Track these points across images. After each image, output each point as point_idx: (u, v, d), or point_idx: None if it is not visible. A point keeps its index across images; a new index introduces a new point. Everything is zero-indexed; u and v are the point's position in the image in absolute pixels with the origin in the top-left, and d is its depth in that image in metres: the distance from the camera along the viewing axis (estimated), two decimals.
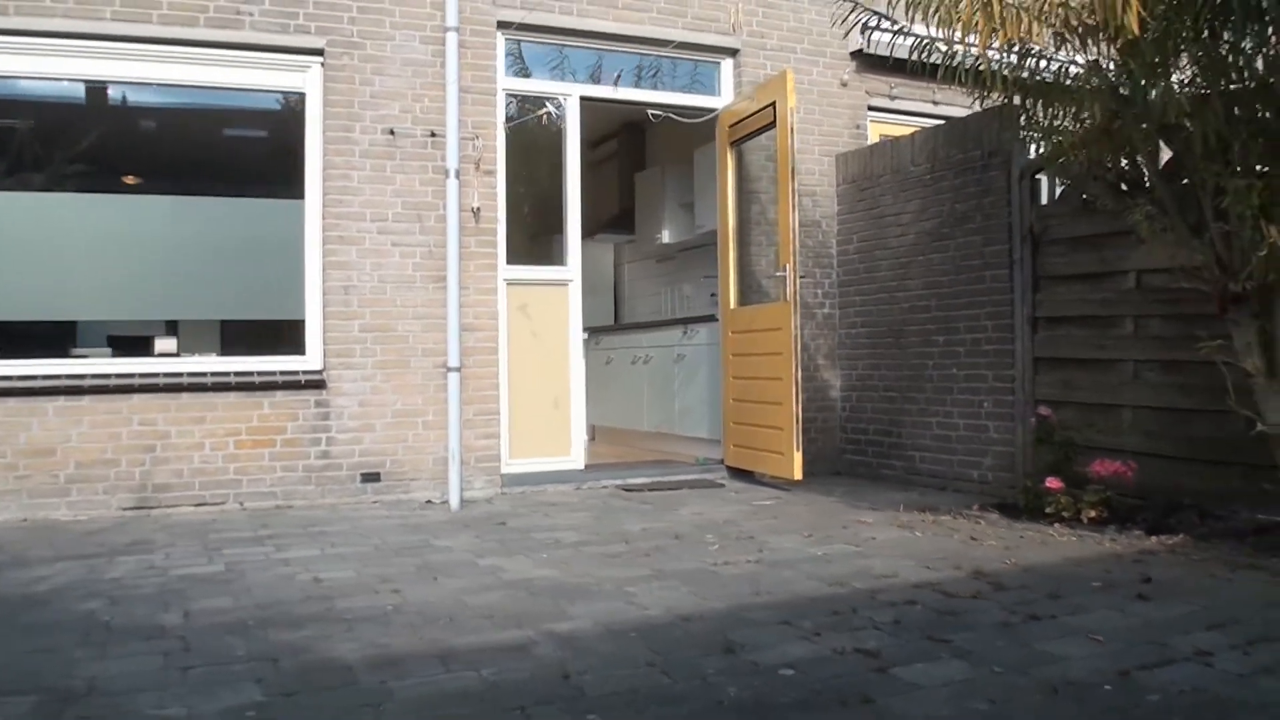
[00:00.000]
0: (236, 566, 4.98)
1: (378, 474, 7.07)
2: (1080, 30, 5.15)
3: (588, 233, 8.91)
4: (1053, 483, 5.94)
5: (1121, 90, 5.23)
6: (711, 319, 8.51)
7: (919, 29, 5.94)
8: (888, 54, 7.36)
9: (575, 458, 7.76)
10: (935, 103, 8.86)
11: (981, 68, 5.52)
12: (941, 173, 7.47)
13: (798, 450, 7.11)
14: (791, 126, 7.16)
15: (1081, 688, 3.11)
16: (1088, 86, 5.29)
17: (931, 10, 5.27)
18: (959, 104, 8.64)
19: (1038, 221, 6.78)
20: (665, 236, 10.21)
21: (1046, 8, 4.94)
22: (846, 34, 7.83)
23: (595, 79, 7.97)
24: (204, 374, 6.79)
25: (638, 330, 9.85)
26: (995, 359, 7.04)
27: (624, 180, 10.94)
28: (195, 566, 5.00)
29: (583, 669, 3.31)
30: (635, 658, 3.43)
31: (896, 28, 6.18)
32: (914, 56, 6.01)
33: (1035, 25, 4.96)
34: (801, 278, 7.68)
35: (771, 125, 7.44)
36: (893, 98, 8.76)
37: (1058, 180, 6.96)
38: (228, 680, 3.24)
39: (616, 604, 4.16)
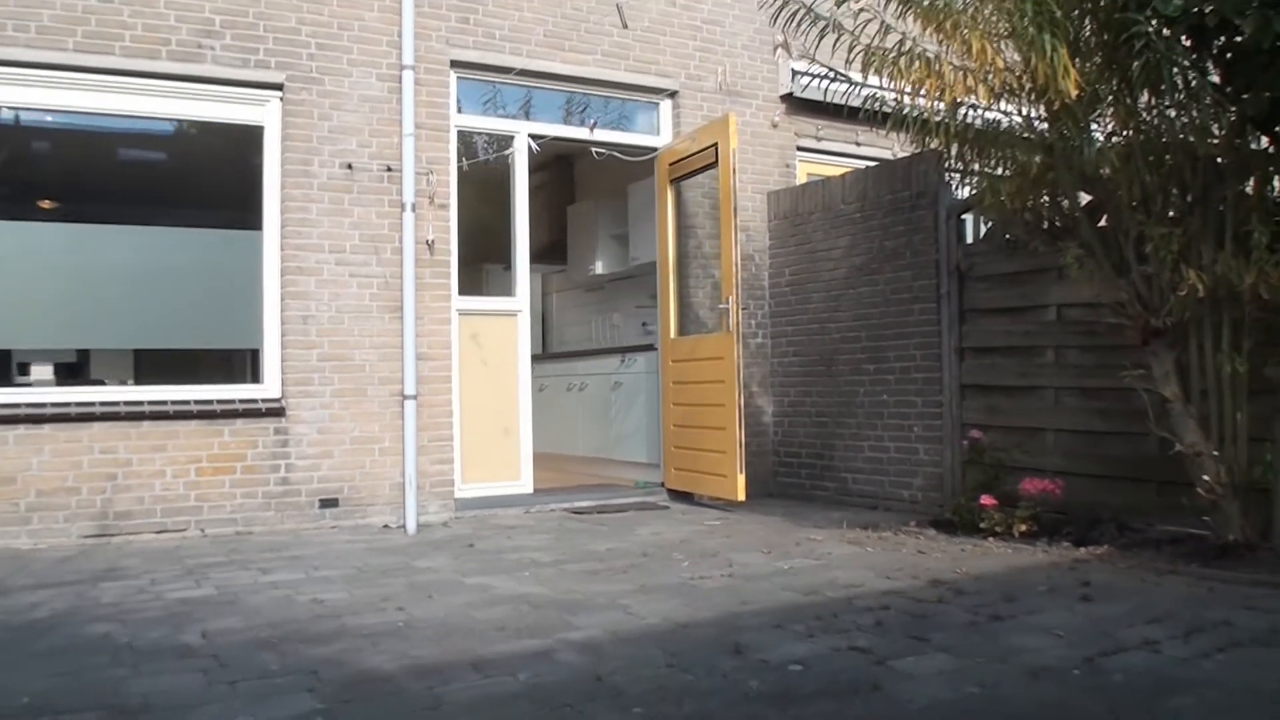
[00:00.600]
0: (228, 590, 5.18)
1: (336, 500, 7.28)
2: (1016, 90, 5.73)
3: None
4: (987, 500, 6.46)
5: (1051, 144, 5.80)
6: (650, 348, 8.93)
7: (854, 75, 6.47)
8: (819, 97, 7.92)
9: (524, 482, 8.07)
10: (858, 144, 9.44)
11: (926, 118, 6.03)
12: (871, 211, 8.01)
13: (741, 472, 7.54)
14: (734, 167, 7.63)
15: (1055, 672, 3.58)
16: (1024, 138, 5.86)
17: (885, 69, 5.76)
18: (880, 145, 9.29)
19: (964, 258, 7.34)
20: (598, 267, 10.62)
21: (990, 71, 5.48)
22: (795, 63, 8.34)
23: (542, 118, 8.34)
24: (165, 402, 6.94)
25: (572, 358, 10.22)
26: (924, 386, 7.57)
27: (553, 212, 11.31)
28: (186, 590, 5.19)
29: (611, 670, 3.66)
30: (654, 660, 3.79)
31: (827, 73, 6.65)
32: (864, 106, 6.49)
33: (979, 86, 5.51)
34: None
35: (713, 165, 7.90)
36: (819, 139, 9.31)
37: (982, 220, 7.54)
38: (278, 692, 3.50)
39: (616, 615, 4.52)
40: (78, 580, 5.45)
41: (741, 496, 7.55)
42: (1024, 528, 6.32)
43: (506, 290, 8.33)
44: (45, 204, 7.41)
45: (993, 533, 6.39)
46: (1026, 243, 6.67)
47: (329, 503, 7.26)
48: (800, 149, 9.28)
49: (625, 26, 8.42)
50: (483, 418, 7.91)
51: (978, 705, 3.27)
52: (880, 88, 6.29)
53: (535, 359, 9.84)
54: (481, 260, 9.84)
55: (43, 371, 7.14)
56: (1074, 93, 5.27)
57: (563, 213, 11.20)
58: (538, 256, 11.29)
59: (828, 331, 8.39)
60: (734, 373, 7.56)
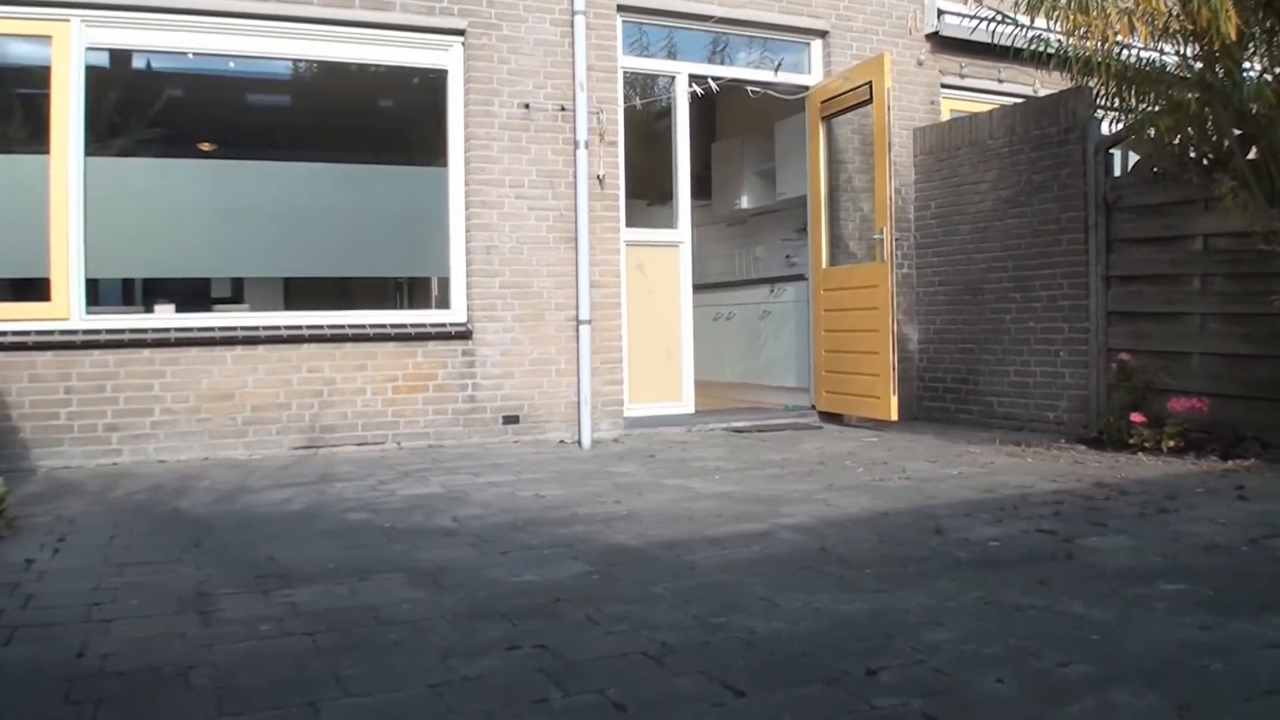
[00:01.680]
0: (453, 488, 5.93)
1: (517, 416, 8.02)
2: (1174, 31, 6.17)
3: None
4: (1136, 417, 6.97)
5: (1209, 82, 6.23)
6: (799, 278, 9.51)
7: (994, 9, 6.95)
8: (963, 35, 8.41)
9: (686, 402, 8.76)
10: (1000, 80, 9.84)
11: (1089, 57, 6.48)
12: (1019, 146, 8.46)
13: (894, 394, 8.11)
14: (888, 104, 8.13)
15: (1225, 548, 4.15)
16: (1182, 77, 6.30)
17: (1054, 13, 6.23)
18: (1021, 82, 9.71)
19: (1111, 191, 7.77)
20: (743, 202, 11.20)
21: (1153, 16, 5.92)
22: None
23: (700, 58, 8.91)
24: (365, 326, 7.71)
25: (718, 289, 10.85)
26: (1071, 313, 8.05)
27: (696, 150, 11.85)
28: (414, 489, 5.94)
29: (832, 544, 4.30)
30: (867, 538, 4.43)
31: (992, 16, 7.11)
32: (1029, 47, 6.93)
33: (1141, 28, 5.96)
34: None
35: (866, 102, 8.41)
36: (963, 76, 9.73)
37: (1129, 154, 7.95)
38: (547, 560, 4.18)
39: (817, 506, 5.17)
40: (308, 482, 6.23)
41: (894, 416, 8.13)
42: (1172, 443, 6.81)
43: (667, 223, 8.95)
44: (245, 142, 8.20)
45: (1141, 448, 6.89)
46: (1178, 175, 7.10)
47: (511, 419, 8.00)
48: (944, 85, 9.71)
49: None
50: (648, 342, 8.59)
51: (1163, 569, 3.85)
52: (1038, 29, 6.75)
53: None
54: (639, 196, 10.44)
55: (240, 306, 7.97)
56: (1234, 35, 5.70)
57: (705, 149, 11.76)
58: None
59: (973, 262, 8.88)
60: (888, 300, 8.10)
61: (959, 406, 9.07)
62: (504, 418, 8.00)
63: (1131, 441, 6.98)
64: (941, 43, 9.57)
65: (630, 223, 8.66)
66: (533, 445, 7.82)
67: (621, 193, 8.40)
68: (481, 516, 5.08)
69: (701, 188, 11.62)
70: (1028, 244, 8.39)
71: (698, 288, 10.87)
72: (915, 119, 9.51)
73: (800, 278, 9.52)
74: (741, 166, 11.20)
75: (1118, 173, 8.09)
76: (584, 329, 8.06)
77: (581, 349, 8.06)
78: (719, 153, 11.82)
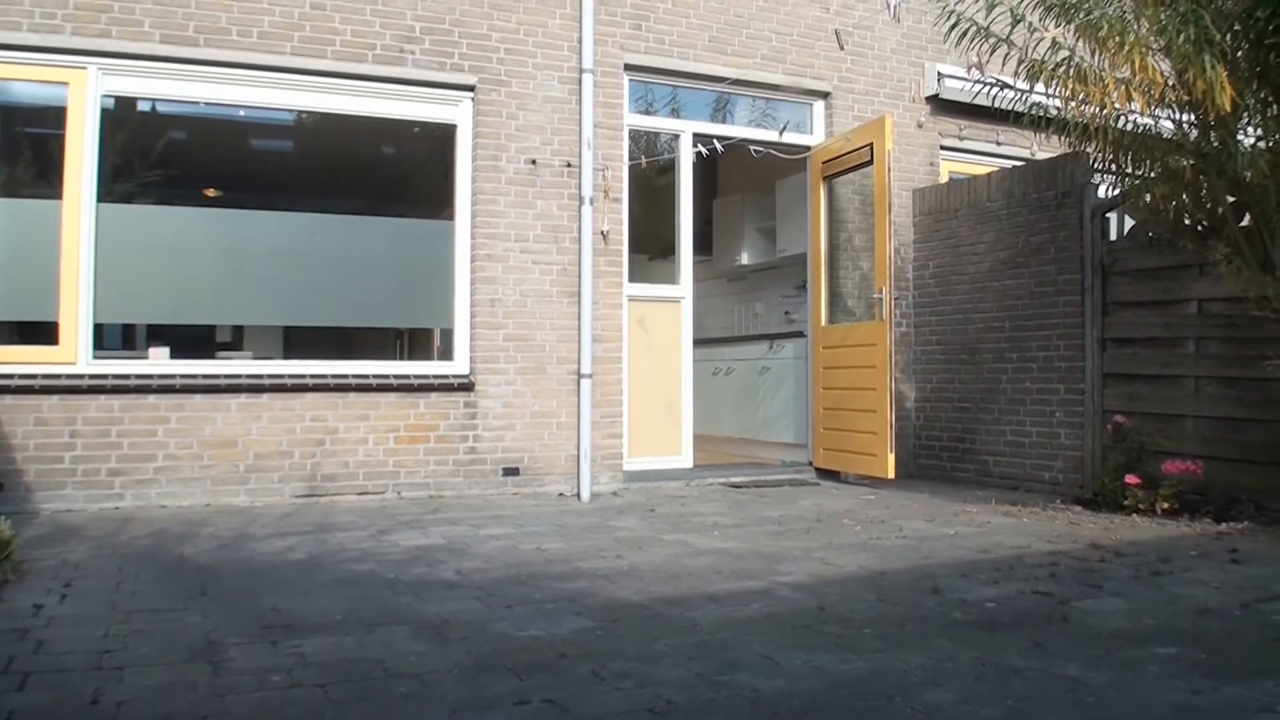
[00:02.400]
0: (454, 540, 5.99)
1: (517, 468, 8.10)
2: (1170, 101, 6.34)
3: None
4: (1131, 479, 7.06)
5: (1205, 150, 6.38)
6: (798, 335, 9.63)
7: (995, 76, 7.15)
8: (963, 99, 8.58)
9: (685, 457, 8.84)
10: (999, 143, 10.03)
11: (1086, 124, 6.65)
12: (1017, 208, 8.61)
13: (891, 452, 8.21)
14: (889, 166, 8.29)
15: (1218, 612, 4.23)
16: (1177, 144, 6.46)
17: (1053, 81, 6.40)
18: (1019, 145, 9.88)
19: (1107, 255, 7.91)
20: (743, 258, 11.36)
21: (1149, 86, 6.08)
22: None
23: (704, 117, 9.09)
24: (368, 376, 7.81)
25: (717, 344, 10.98)
26: (1067, 374, 8.16)
27: (697, 206, 12.02)
28: (415, 539, 6.00)
29: (830, 603, 4.37)
30: (865, 597, 4.51)
31: (991, 82, 7.29)
32: (1029, 112, 7.12)
33: (1138, 97, 6.12)
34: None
35: (867, 163, 8.57)
36: (961, 139, 9.92)
37: (1125, 218, 8.10)
38: (551, 614, 4.25)
39: (815, 564, 5.24)
40: (309, 531, 6.28)
41: (891, 474, 8.21)
42: (1166, 505, 6.89)
43: (669, 278, 9.08)
44: (257, 192, 8.32)
45: (1136, 509, 6.97)
46: (1174, 240, 7.25)
47: (511, 471, 8.08)
48: (944, 147, 9.89)
49: (841, 48, 9.33)
50: (648, 396, 8.68)
51: (1156, 632, 3.93)
52: (1035, 93, 6.93)
53: None
54: (641, 250, 10.58)
55: (244, 353, 8.05)
56: (1228, 106, 5.86)
57: (707, 205, 11.94)
58: None
59: (971, 321, 9.01)
60: (886, 358, 8.22)
61: (955, 465, 9.16)
62: (504, 469, 8.07)
63: (1126, 503, 7.06)
64: (941, 105, 9.76)
65: (632, 277, 8.79)
66: (532, 498, 7.89)
67: (625, 248, 8.53)
68: (484, 569, 5.14)
69: (702, 243, 11.76)
70: (1025, 305, 8.52)
71: (697, 342, 10.97)
72: (915, 180, 9.67)
73: (799, 334, 9.64)
74: (743, 223, 11.38)
75: (1114, 237, 8.22)
76: (585, 382, 8.16)
77: (582, 402, 8.15)
78: (720, 209, 12.00)
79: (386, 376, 7.86)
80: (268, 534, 6.15)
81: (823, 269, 9.26)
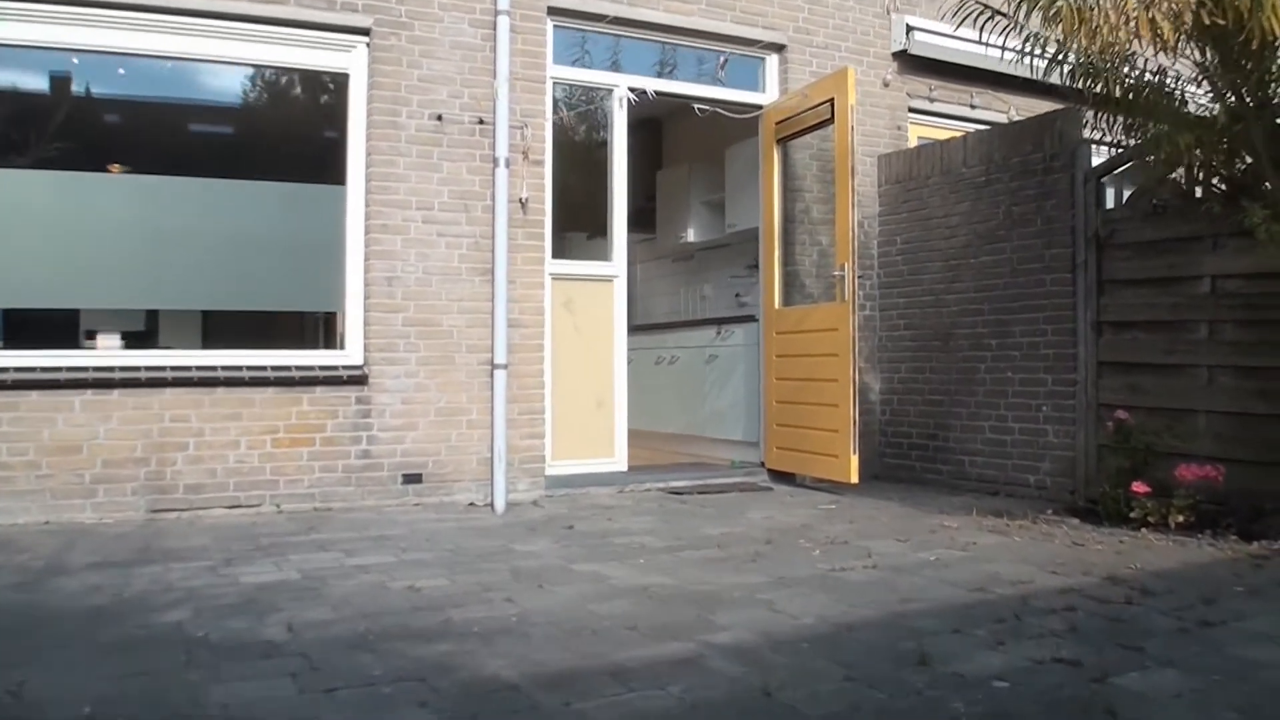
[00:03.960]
0: (313, 574, 4.59)
1: (420, 475, 6.69)
2: (1195, 34, 4.98)
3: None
4: (1140, 487, 5.75)
5: (1241, 88, 5.05)
6: (749, 319, 8.25)
7: (965, 33, 5.85)
8: (938, 55, 7.26)
9: (618, 459, 7.44)
10: (973, 106, 8.71)
11: (1094, 64, 5.31)
12: (997, 174, 7.28)
13: (854, 453, 6.86)
14: (852, 125, 6.92)
15: None
16: (1214, 82, 5.12)
17: (1052, 12, 5.05)
18: (995, 109, 8.60)
19: (1103, 225, 6.60)
20: (689, 235, 9.91)
21: (1179, 8, 4.73)
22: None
23: (643, 71, 7.65)
24: (240, 368, 6.36)
25: (660, 330, 9.56)
26: (1055, 363, 6.85)
27: (639, 178, 10.63)
28: (265, 574, 4.60)
29: (779, 684, 3.00)
30: (827, 672, 3.14)
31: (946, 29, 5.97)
32: (1025, 49, 5.76)
33: (1163, 23, 4.75)
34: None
35: (827, 122, 7.20)
36: (932, 100, 8.56)
37: (1123, 184, 6.77)
38: (382, 706, 2.87)
39: (761, 613, 3.86)
40: (146, 559, 4.88)
41: (854, 479, 6.87)
42: (1181, 518, 5.61)
43: (600, 255, 7.68)
44: (114, 165, 6.82)
45: (1145, 523, 5.68)
46: (1185, 207, 5.96)
47: (412, 478, 6.67)
48: (912, 110, 8.54)
49: None
50: (575, 389, 7.29)
51: None
52: (1013, 50, 5.63)
53: None
54: (577, 227, 9.20)
55: (109, 340, 6.56)
56: (1277, 30, 4.52)
57: (650, 179, 10.53)
58: None
59: (944, 304, 7.67)
60: (849, 346, 6.87)
61: (926, 465, 7.82)
62: (404, 476, 6.66)
63: (1133, 514, 5.75)
64: (910, 62, 8.39)
65: (562, 254, 7.40)
66: (436, 509, 6.49)
67: (548, 219, 7.12)
68: (327, 623, 3.75)
69: (645, 220, 10.39)
70: (1006, 284, 7.19)
71: (638, 328, 9.64)
72: (879, 145, 8.31)
73: (751, 319, 8.26)
74: (688, 196, 9.92)
75: (1110, 205, 6.89)
76: (500, 374, 6.75)
77: (497, 397, 6.74)
78: (664, 181, 10.53)
79: (262, 368, 6.41)
80: (85, 564, 4.74)
81: (776, 244, 7.88)
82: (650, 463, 8.17)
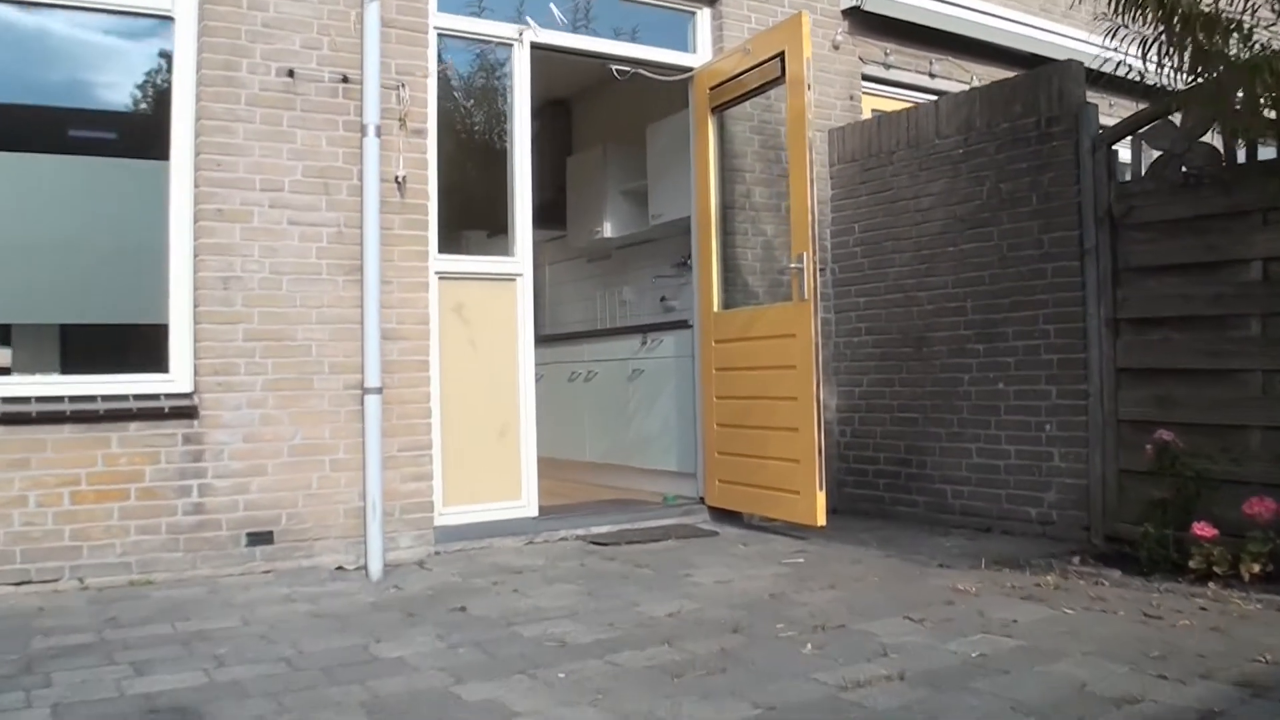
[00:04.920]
0: (68, 712, 2.92)
1: (270, 533, 4.99)
2: None
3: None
4: (1203, 529, 4.30)
5: None
6: (681, 325, 6.68)
7: None
8: (894, 14, 5.84)
9: (526, 501, 5.79)
10: (932, 75, 7.30)
11: None
12: (980, 145, 5.84)
13: (820, 489, 5.35)
14: (808, 82, 5.42)
15: None
16: None
17: None
18: (958, 79, 7.24)
19: (1118, 201, 5.19)
20: (606, 229, 8.24)
21: None
22: None
23: (552, 24, 6.02)
24: (25, 399, 4.61)
25: (575, 341, 7.90)
26: (1060, 371, 5.42)
27: (547, 167, 9.00)
28: (6, 712, 2.94)
29: None
30: None
31: None
32: None
33: None
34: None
35: (776, 81, 5.68)
36: (888, 66, 7.09)
37: (1141, 151, 5.35)
38: None
39: None
40: None
41: (821, 521, 5.36)
42: (1257, 568, 4.19)
43: (501, 250, 6.06)
44: None
45: (1209, 574, 4.26)
46: (1228, 178, 4.56)
47: (260, 538, 4.97)
48: (865, 78, 7.06)
49: None
50: (471, 417, 5.64)
51: None
52: None
53: None
54: (467, 225, 7.58)
55: None
56: None
57: (559, 168, 8.91)
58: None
59: (916, 302, 6.19)
60: (810, 354, 5.36)
61: (897, 497, 6.33)
62: (250, 536, 4.95)
63: (1193, 564, 4.32)
64: (863, 21, 6.90)
65: (450, 248, 5.76)
66: (291, 579, 4.81)
67: (432, 203, 5.48)
68: None
69: (554, 214, 8.77)
70: (994, 276, 5.75)
71: (548, 339, 8.04)
72: (831, 118, 6.80)
73: (683, 325, 6.69)
74: (604, 184, 8.25)
75: (1127, 178, 5.49)
76: (373, 400, 5.08)
77: (369, 430, 5.08)
78: (576, 169, 8.85)
79: (57, 399, 4.66)
80: None
81: (714, 235, 6.32)
82: (567, 501, 6.56)
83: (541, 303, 9.63)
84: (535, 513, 5.78)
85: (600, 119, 8.85)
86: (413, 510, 5.30)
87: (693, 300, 6.54)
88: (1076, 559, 4.76)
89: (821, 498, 5.35)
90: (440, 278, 5.52)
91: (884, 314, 6.41)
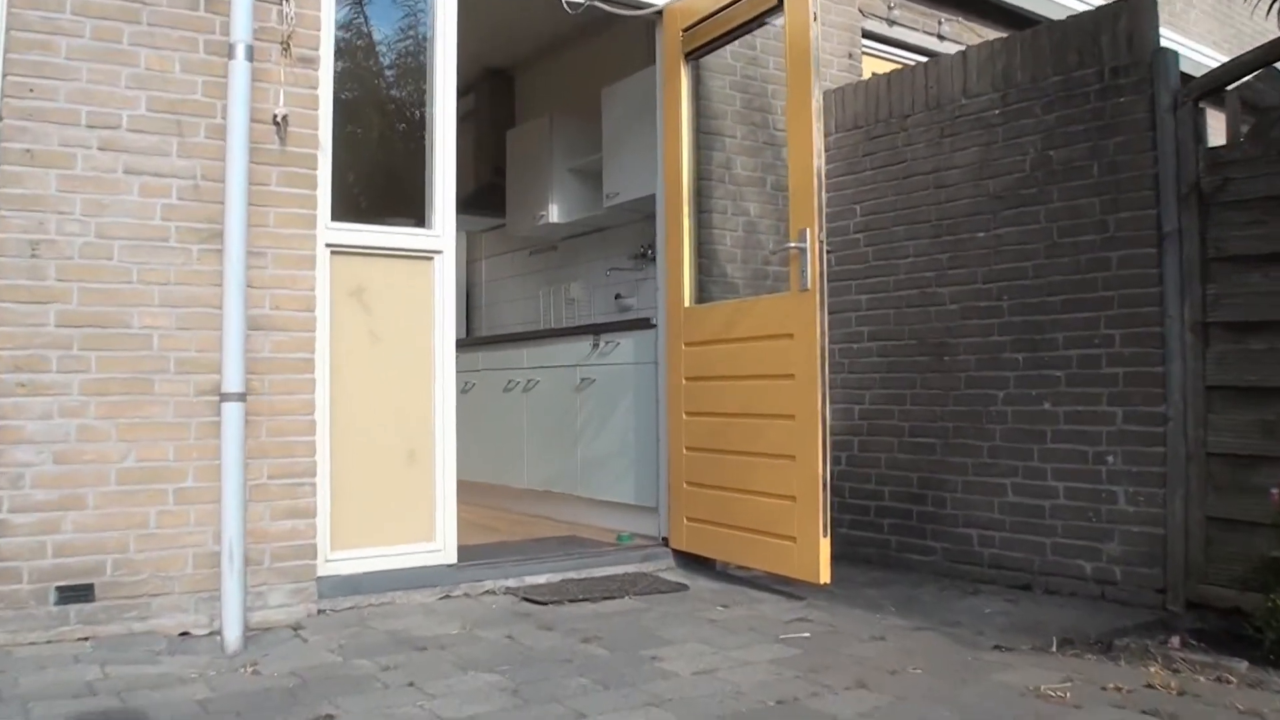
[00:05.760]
0: None
1: (89, 587, 3.60)
2: None
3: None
4: None
5: None
6: (643, 325, 5.36)
7: None
8: None
9: (441, 545, 4.40)
10: (941, 36, 6.13)
11: None
12: (1022, 102, 4.61)
13: (825, 535, 4.07)
14: (814, 10, 4.16)
15: None
16: None
17: None
18: (965, 41, 6.00)
19: (1209, 172, 3.99)
20: (551, 214, 6.81)
21: None
22: None
23: None
24: None
25: (514, 344, 6.50)
26: (1129, 388, 4.19)
27: (486, 147, 7.65)
28: None
29: None
30: None
31: None
32: None
33: None
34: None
35: (770, 13, 4.42)
36: (891, 22, 5.89)
37: (1237, 110, 4.16)
38: None
39: None
40: None
41: (825, 578, 4.07)
42: None
43: (422, 219, 4.70)
44: None
45: None
46: None
47: (75, 593, 3.58)
48: (866, 35, 5.84)
49: None
50: (372, 433, 4.28)
51: None
52: None
53: (459, 345, 6.05)
54: (392, 210, 6.22)
55: None
56: None
57: (500, 149, 7.56)
58: (462, 207, 7.70)
59: (935, 300, 4.94)
60: (814, 360, 4.08)
61: (906, 541, 5.05)
62: (60, 591, 3.55)
63: None
64: None
65: (347, 214, 4.39)
66: (113, 648, 3.42)
67: (326, 154, 4.13)
68: None
69: (492, 201, 7.43)
70: (1040, 268, 4.52)
71: (481, 342, 6.71)
72: (828, 79, 5.56)
73: (644, 324, 5.37)
74: (550, 161, 6.86)
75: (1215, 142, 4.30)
76: (235, 410, 3.71)
77: (228, 449, 3.70)
78: (517, 143, 7.41)
79: None
80: None
81: (686, 213, 5.01)
82: (497, 538, 5.22)
83: (476, 302, 8.31)
84: (453, 558, 4.40)
85: (548, 92, 7.49)
86: (288, 556, 3.93)
87: (655, 296, 5.24)
88: (1173, 638, 3.50)
89: (826, 547, 4.06)
90: (333, 252, 4.17)
91: (893, 315, 5.14)
